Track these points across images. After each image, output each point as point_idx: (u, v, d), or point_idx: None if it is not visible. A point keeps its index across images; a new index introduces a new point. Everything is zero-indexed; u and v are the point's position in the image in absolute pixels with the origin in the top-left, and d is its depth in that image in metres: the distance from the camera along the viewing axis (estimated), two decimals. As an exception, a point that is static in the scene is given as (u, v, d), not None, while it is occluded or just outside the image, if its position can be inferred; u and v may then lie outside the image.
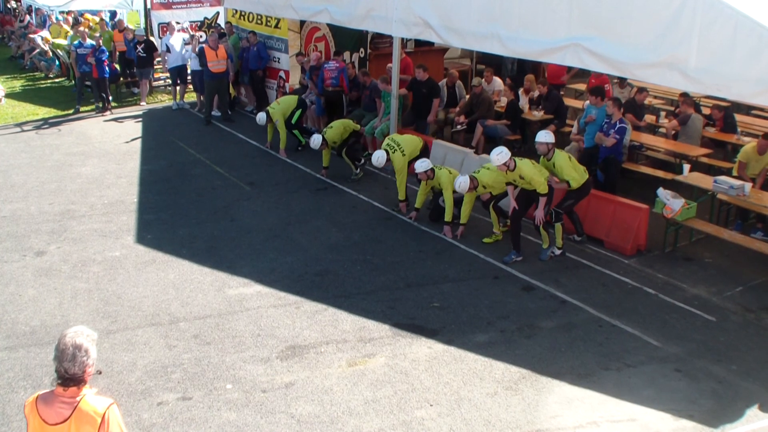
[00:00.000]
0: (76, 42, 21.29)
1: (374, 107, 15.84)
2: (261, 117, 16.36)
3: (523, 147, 15.63)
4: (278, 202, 13.68)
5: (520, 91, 16.62)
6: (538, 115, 15.71)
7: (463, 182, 11.56)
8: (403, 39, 15.19)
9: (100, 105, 20.57)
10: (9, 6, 36.30)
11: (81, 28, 22.42)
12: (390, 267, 11.11)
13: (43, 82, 25.35)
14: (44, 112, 20.85)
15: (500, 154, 10.96)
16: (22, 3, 32.21)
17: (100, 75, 20.29)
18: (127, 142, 17.77)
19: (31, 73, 26.64)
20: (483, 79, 16.58)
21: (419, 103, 15.57)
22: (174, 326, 9.55)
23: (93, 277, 10.93)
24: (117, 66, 22.40)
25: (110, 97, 20.70)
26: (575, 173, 11.21)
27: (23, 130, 19.01)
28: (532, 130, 15.69)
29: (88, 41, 20.60)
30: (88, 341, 4.58)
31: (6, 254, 11.68)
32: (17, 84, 24.64)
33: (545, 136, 11.29)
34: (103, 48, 20.56)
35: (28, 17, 30.87)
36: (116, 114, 20.42)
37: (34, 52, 27.11)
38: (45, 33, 27.42)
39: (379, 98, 15.57)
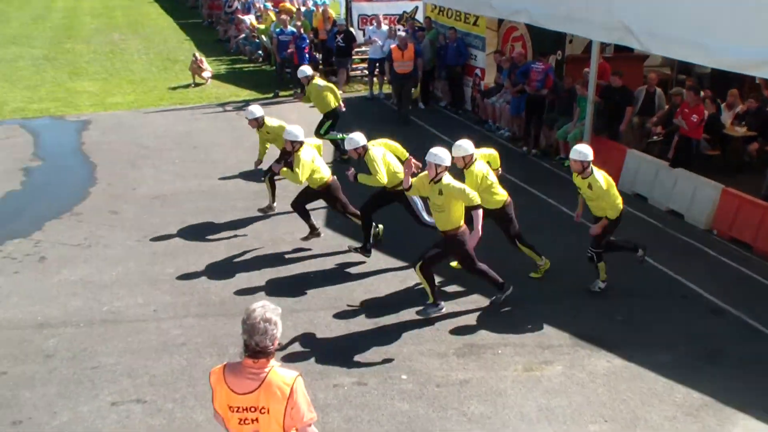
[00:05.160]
0: (278, 29, 22.14)
1: (570, 111, 15.55)
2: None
3: (723, 163, 14.90)
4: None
5: (723, 104, 15.89)
6: (740, 131, 14.98)
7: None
8: (601, 43, 14.85)
9: (298, 90, 21.20)
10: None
11: (283, 16, 23.27)
12: (574, 275, 10.83)
13: (246, 65, 26.49)
14: (246, 94, 21.83)
15: (459, 148, 10.00)
16: (231, -12, 33.74)
17: (300, 62, 20.96)
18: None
19: (236, 57, 27.90)
20: (685, 90, 15.95)
21: (611, 110, 15.16)
22: (355, 312, 9.79)
23: (279, 259, 11.34)
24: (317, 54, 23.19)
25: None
26: (616, 201, 9.96)
27: (225, 110, 19.98)
28: (733, 146, 14.97)
29: (289, 28, 21.34)
30: (276, 315, 4.74)
31: (204, 228, 12.34)
32: (222, 66, 25.85)
33: (579, 153, 9.82)
34: (304, 35, 21.25)
35: (236, 3, 32.28)
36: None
37: (240, 36, 28.37)
38: (251, 18, 28.69)
39: (575, 102, 15.29)
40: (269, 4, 28.98)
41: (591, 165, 9.81)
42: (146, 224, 12.63)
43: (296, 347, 8.96)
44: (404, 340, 9.10)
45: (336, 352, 8.90)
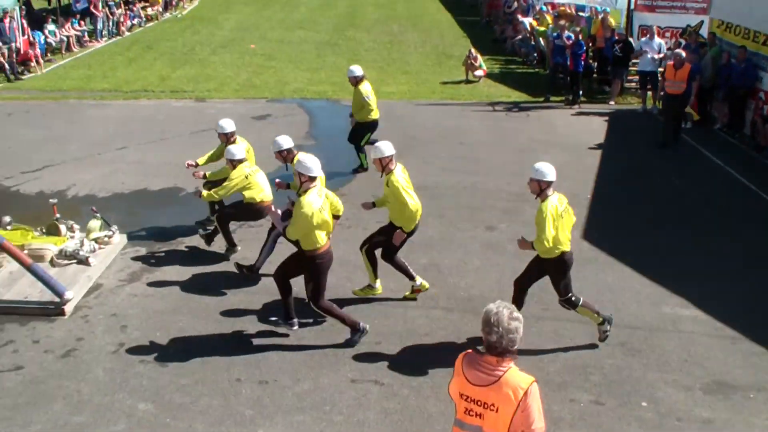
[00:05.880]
0: (554, 33, 22.02)
1: None
2: None
3: None
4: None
5: None
6: None
7: None
8: None
9: (570, 98, 21.04)
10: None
11: (561, 21, 23.11)
12: None
13: (519, 67, 26.55)
14: (516, 95, 21.94)
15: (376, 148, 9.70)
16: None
17: (575, 68, 20.78)
18: (590, 137, 17.96)
19: (510, 57, 28.00)
20: None
21: None
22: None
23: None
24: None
25: (581, 92, 21.10)
26: (553, 237, 8.47)
27: (495, 110, 20.16)
28: None
29: (567, 33, 21.16)
30: (518, 313, 4.86)
31: (461, 223, 12.55)
32: (496, 66, 26.07)
33: (536, 171, 8.62)
34: (581, 42, 20.99)
35: (515, 3, 32.37)
36: (584, 108, 20.78)
37: (517, 37, 28.45)
38: (530, 20, 28.69)
39: None
40: (545, 7, 28.82)
41: (549, 189, 8.61)
42: (406, 212, 13.03)
43: (537, 355, 8.93)
44: (650, 366, 8.82)
45: (577, 367, 8.78)
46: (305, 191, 8.72)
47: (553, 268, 8.85)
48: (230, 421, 7.80)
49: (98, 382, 8.44)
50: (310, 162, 8.79)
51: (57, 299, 9.83)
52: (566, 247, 8.72)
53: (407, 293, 10.38)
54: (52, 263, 10.89)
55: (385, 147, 9.67)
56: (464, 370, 4.95)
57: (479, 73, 23.83)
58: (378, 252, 10.18)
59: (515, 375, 4.84)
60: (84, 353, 9.00)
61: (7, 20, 24.30)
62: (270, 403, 8.08)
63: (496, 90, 22.56)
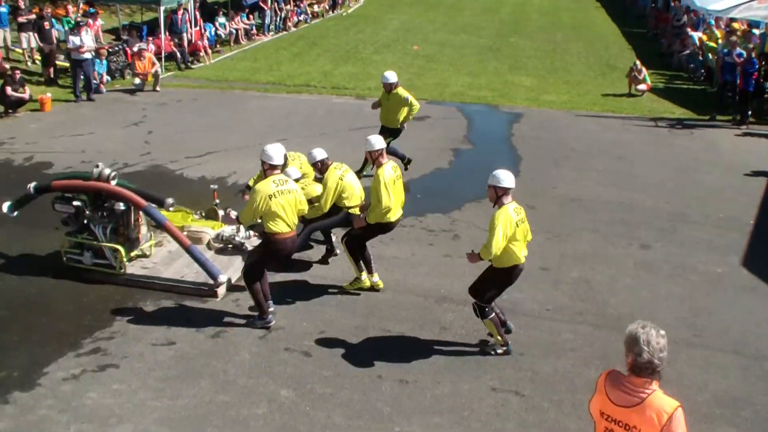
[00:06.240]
0: (725, 50, 21.17)
1: None
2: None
3: None
4: None
5: None
6: None
7: None
8: None
9: (738, 117, 20.15)
10: (670, 4, 37.08)
11: (733, 38, 22.19)
12: None
13: (685, 83, 25.61)
14: (680, 112, 21.17)
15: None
16: (681, 2, 32.75)
17: (745, 87, 19.92)
18: (757, 160, 17.06)
19: (676, 72, 27.06)
20: None
21: None
22: (757, 362, 9.10)
23: (689, 285, 10.93)
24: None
25: (750, 112, 20.16)
26: (500, 246, 8.26)
27: (657, 126, 19.60)
28: None
29: (738, 50, 20.33)
30: (665, 333, 4.75)
31: (615, 238, 12.25)
32: (660, 81, 25.29)
33: (493, 178, 8.53)
34: (753, 60, 20.10)
35: (685, 17, 31.35)
36: (752, 130, 19.79)
37: (684, 52, 27.50)
38: (699, 34, 27.70)
39: None
40: (716, 22, 27.72)
41: (506, 197, 8.46)
42: (559, 224, 12.83)
43: (685, 383, 8.54)
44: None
45: (727, 399, 8.36)
46: (266, 178, 9.23)
47: (496, 274, 8.71)
48: (368, 416, 7.89)
49: (244, 365, 8.71)
50: (272, 151, 9.24)
51: (211, 281, 10.19)
52: (519, 260, 8.60)
53: (347, 284, 10.58)
54: (208, 246, 11.32)
55: (376, 141, 10.11)
56: (607, 388, 4.86)
57: (643, 87, 23.20)
58: (369, 245, 10.46)
59: (660, 398, 4.71)
60: (232, 335, 9.31)
61: (180, 12, 25.46)
62: (408, 403, 8.12)
63: (659, 105, 21.89)
